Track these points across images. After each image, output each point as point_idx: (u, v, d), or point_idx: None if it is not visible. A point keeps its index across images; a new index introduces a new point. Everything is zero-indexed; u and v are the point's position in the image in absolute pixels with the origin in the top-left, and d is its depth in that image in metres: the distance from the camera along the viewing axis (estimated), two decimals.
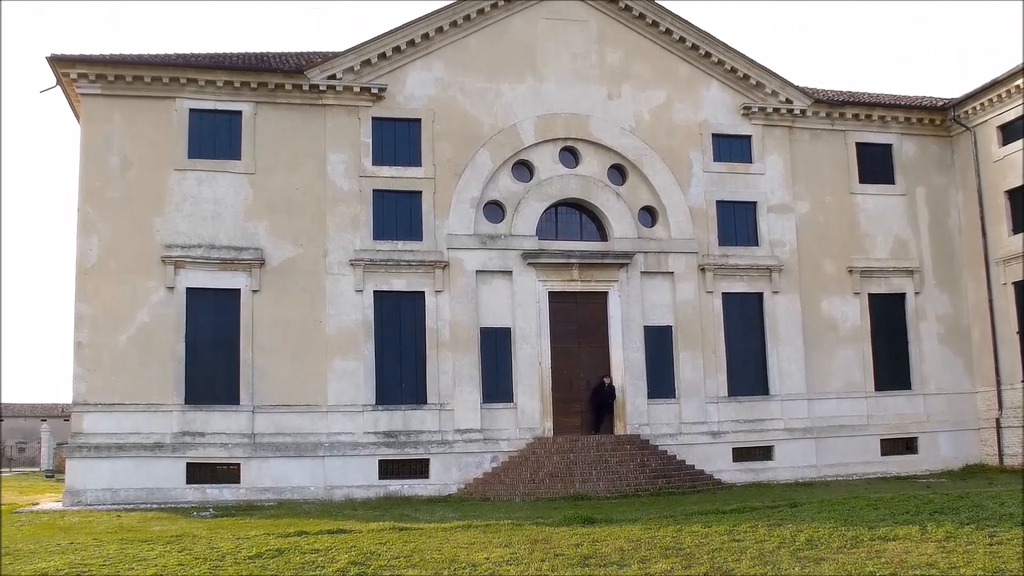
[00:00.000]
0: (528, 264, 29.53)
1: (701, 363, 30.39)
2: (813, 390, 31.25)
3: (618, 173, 31.09)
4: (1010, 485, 23.83)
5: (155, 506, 24.91)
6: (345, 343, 28.06)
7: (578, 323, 29.93)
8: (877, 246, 32.90)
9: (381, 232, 28.96)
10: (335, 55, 29.07)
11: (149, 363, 26.82)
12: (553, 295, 29.77)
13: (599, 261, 30.00)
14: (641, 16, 31.40)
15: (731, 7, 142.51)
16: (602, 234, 30.81)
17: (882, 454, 31.51)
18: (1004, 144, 32.08)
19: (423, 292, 28.89)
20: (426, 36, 29.81)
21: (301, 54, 30.87)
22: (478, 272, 29.28)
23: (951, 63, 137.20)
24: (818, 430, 30.98)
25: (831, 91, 34.40)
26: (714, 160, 31.70)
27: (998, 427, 31.89)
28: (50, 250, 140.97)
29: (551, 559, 12.74)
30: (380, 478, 27.52)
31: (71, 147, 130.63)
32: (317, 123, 28.98)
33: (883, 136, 33.58)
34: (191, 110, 28.22)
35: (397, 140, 29.54)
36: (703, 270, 30.83)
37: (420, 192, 29.33)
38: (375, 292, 28.55)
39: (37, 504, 26.95)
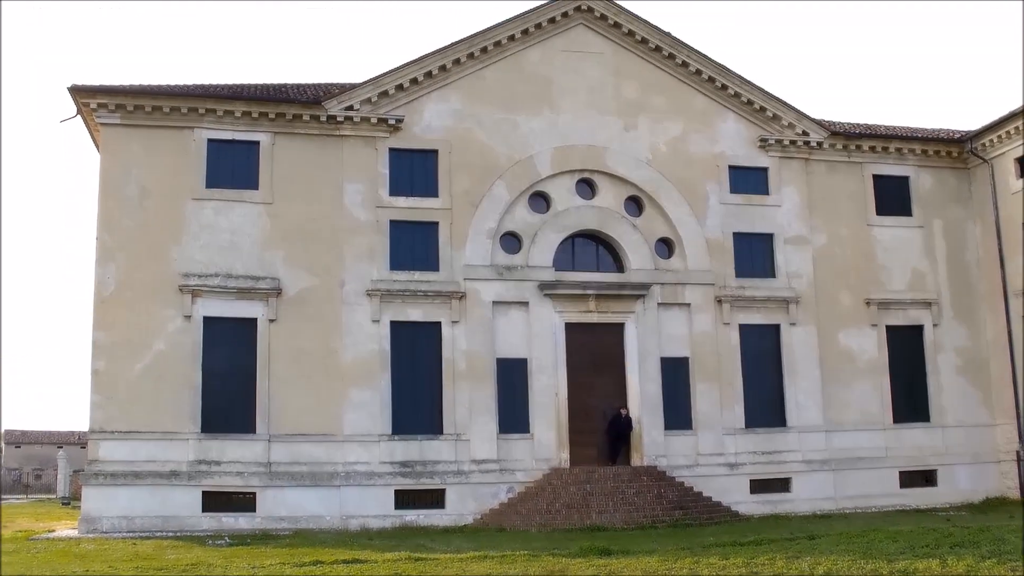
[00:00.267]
0: (545, 295, 29.53)
1: (718, 394, 30.26)
2: (831, 422, 31.05)
3: (635, 205, 31.12)
4: None
5: (171, 534, 24.85)
6: (361, 373, 28.06)
7: (595, 354, 29.85)
8: (894, 278, 32.77)
9: (398, 263, 29.01)
10: (353, 86, 29.28)
11: (166, 391, 26.85)
12: (570, 326, 29.73)
13: (616, 292, 29.98)
14: (658, 49, 31.54)
15: (747, 39, 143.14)
16: (619, 265, 30.81)
17: (901, 486, 31.21)
18: (1022, 176, 31.96)
19: (439, 323, 28.90)
20: (443, 68, 30.00)
21: (319, 85, 31.05)
22: (495, 303, 29.30)
23: (968, 95, 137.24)
24: (836, 462, 30.76)
25: (848, 123, 34.43)
26: (731, 192, 31.70)
27: (1018, 460, 31.59)
28: (69, 278, 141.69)
29: None
30: (396, 508, 27.42)
31: (90, 176, 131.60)
32: (334, 154, 29.13)
33: (900, 168, 33.50)
34: (209, 140, 28.42)
35: (414, 171, 29.65)
36: (720, 302, 30.78)
37: (437, 223, 29.41)
38: (392, 322, 28.57)
39: (53, 531, 26.95)
